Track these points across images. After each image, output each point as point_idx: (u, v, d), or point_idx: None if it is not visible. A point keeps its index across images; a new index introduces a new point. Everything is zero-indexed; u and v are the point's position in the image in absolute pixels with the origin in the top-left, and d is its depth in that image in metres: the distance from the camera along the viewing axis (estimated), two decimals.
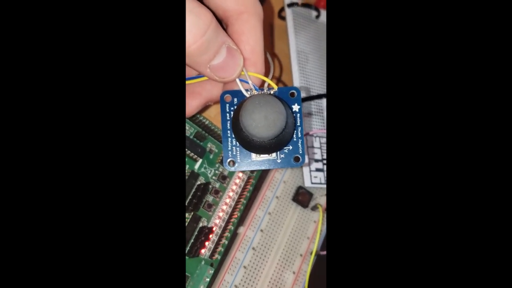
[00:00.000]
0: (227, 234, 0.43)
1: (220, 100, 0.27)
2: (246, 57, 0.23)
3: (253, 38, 0.20)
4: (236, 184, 0.45)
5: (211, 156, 0.44)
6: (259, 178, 0.46)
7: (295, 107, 0.27)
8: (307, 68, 0.49)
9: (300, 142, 0.27)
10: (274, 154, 0.28)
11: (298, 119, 0.27)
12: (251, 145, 0.26)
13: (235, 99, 0.27)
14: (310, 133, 0.46)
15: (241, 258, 0.42)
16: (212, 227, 0.42)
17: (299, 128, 0.27)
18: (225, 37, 0.20)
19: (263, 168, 0.28)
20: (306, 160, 0.46)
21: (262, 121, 0.24)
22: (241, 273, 0.42)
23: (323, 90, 0.49)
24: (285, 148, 0.27)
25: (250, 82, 0.26)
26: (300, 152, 0.28)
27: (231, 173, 0.45)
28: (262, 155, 0.28)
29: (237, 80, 0.26)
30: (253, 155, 0.28)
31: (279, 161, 0.28)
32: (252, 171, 0.46)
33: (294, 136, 0.27)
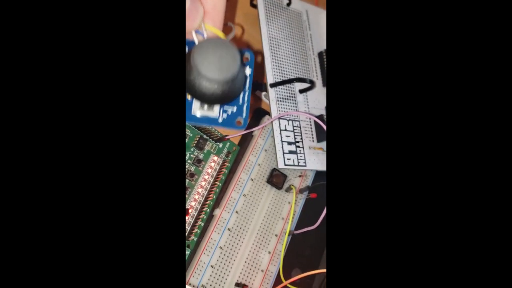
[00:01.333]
0: (202, 216, 0.44)
1: None
2: (206, 11, 0.23)
3: None
4: (211, 167, 0.46)
5: (186, 140, 0.45)
6: (234, 162, 0.47)
7: (247, 71, 0.26)
8: (279, 54, 0.50)
9: (245, 106, 0.26)
10: (216, 112, 0.26)
11: (248, 83, 0.26)
12: (196, 90, 0.24)
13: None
14: (284, 116, 0.48)
15: (217, 239, 0.43)
16: (188, 209, 0.43)
17: (247, 93, 0.26)
18: None
19: (203, 125, 0.26)
20: (279, 143, 0.47)
21: (216, 61, 0.22)
22: (217, 253, 0.43)
23: (294, 75, 0.50)
24: (229, 108, 0.26)
25: (205, 35, 0.25)
26: (244, 116, 0.27)
27: (206, 157, 0.46)
28: (204, 111, 0.26)
29: (193, 32, 0.24)
30: (194, 107, 0.26)
31: (220, 120, 0.27)
32: (227, 154, 0.47)
33: (241, 98, 0.26)
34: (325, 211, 0.35)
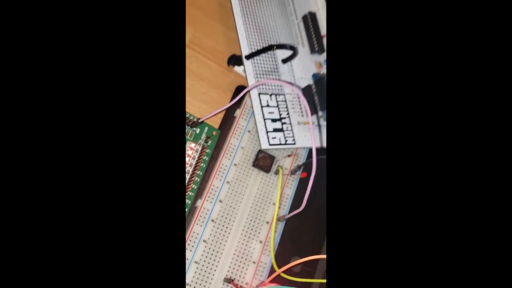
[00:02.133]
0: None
1: None
2: None
3: None
4: (188, 155, 0.42)
5: None
6: (215, 147, 0.43)
7: None
8: (255, 21, 0.45)
9: None
10: None
11: None
12: None
13: None
14: (264, 89, 0.43)
15: (200, 232, 0.40)
16: None
17: None
18: None
19: None
20: (261, 121, 0.42)
21: None
22: (201, 248, 0.39)
23: (272, 42, 0.45)
24: None
25: None
26: None
27: None
28: None
29: None
30: None
31: None
32: (206, 140, 0.43)
33: None
34: (308, 190, 0.30)
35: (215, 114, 0.41)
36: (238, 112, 0.44)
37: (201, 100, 0.45)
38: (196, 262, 0.39)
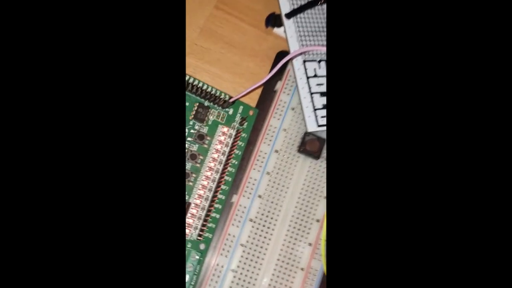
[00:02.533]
0: (216, 206, 0.34)
1: None
2: None
3: None
4: (220, 142, 0.35)
5: None
6: (251, 131, 0.36)
7: None
8: None
9: None
10: None
11: None
12: None
13: None
14: (310, 54, 0.34)
15: (236, 233, 0.33)
16: (189, 203, 0.34)
17: None
18: None
19: None
20: (307, 97, 0.34)
21: None
22: (238, 252, 0.33)
23: None
24: None
25: None
26: None
27: (212, 130, 0.35)
28: None
29: None
30: None
31: None
32: (241, 122, 0.36)
33: None
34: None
35: (252, 91, 0.33)
36: (279, 86, 0.36)
37: (234, 73, 0.37)
38: (233, 270, 0.33)
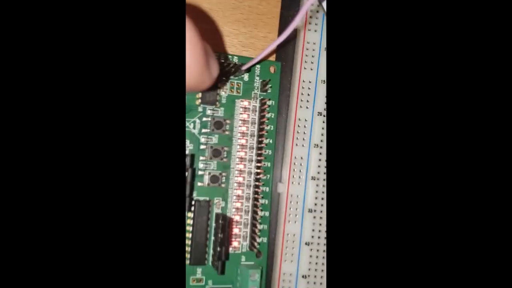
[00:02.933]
0: (262, 201, 0.27)
1: None
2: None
3: None
4: (244, 122, 0.26)
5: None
6: (279, 94, 0.27)
7: None
8: None
9: None
10: None
11: None
12: None
13: None
14: None
15: (297, 231, 0.26)
16: (227, 216, 0.26)
17: None
18: None
19: None
20: None
21: None
22: (305, 253, 0.26)
23: None
24: None
25: None
26: None
27: (229, 110, 0.26)
28: None
29: None
30: None
31: None
32: (263, 88, 0.26)
33: None
34: None
35: (269, 52, 0.23)
36: (300, 25, 0.26)
37: (236, 20, 0.27)
38: (304, 276, 0.26)
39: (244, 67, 0.24)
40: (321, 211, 0.26)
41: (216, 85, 0.26)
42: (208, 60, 0.17)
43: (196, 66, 0.17)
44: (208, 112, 0.26)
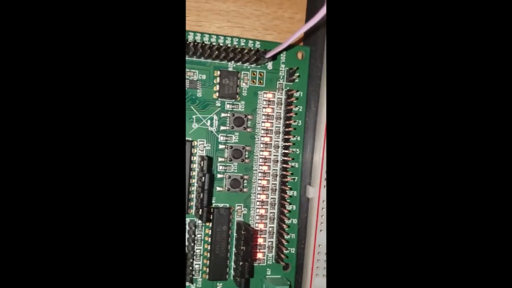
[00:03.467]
0: (289, 207, 0.23)
1: None
2: None
3: None
4: (268, 116, 0.23)
5: (198, 94, 0.22)
6: (309, 83, 0.23)
7: None
8: None
9: None
10: None
11: None
12: None
13: None
14: None
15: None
16: (250, 227, 0.23)
17: None
18: None
19: None
20: None
21: None
22: None
23: None
24: None
25: None
26: None
27: (250, 103, 0.23)
28: None
29: None
30: None
31: None
32: (290, 77, 0.23)
33: None
34: None
35: (297, 37, 0.20)
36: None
37: (257, 2, 0.23)
38: None
39: (268, 55, 0.21)
40: None
41: (237, 76, 0.22)
42: None
43: None
44: (227, 106, 0.22)
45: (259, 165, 0.23)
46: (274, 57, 0.22)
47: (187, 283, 0.22)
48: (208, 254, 0.23)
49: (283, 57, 0.23)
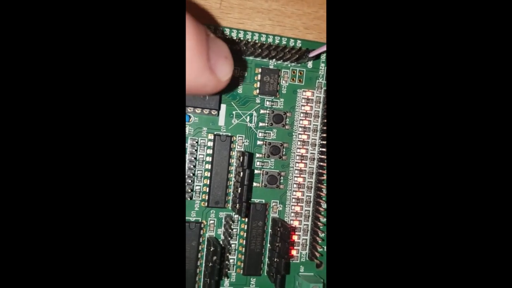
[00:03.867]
0: (325, 206, 0.23)
1: None
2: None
3: None
4: (306, 114, 0.23)
5: (239, 90, 0.23)
6: None
7: None
8: None
9: None
10: None
11: None
12: None
13: None
14: None
15: None
16: (286, 223, 0.23)
17: None
18: None
19: None
20: None
21: None
22: None
23: None
24: None
25: None
26: None
27: (289, 101, 0.23)
28: None
29: None
30: None
31: None
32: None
33: None
34: None
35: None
36: None
37: (298, 1, 0.23)
38: None
39: (312, 54, 0.21)
40: None
41: (278, 74, 0.22)
42: (211, 62, 0.16)
43: (191, 68, 0.16)
44: (267, 103, 0.23)
45: (296, 162, 0.23)
46: (316, 57, 0.22)
47: (222, 278, 0.23)
48: (243, 249, 0.23)
49: (323, 56, 0.23)
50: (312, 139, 0.23)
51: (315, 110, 0.23)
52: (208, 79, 0.16)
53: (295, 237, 0.24)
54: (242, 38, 0.22)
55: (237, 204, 0.21)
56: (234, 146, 0.22)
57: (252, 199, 0.23)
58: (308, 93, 0.23)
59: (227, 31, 0.22)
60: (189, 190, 0.22)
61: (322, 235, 0.23)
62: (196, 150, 0.22)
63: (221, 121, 0.22)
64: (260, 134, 0.23)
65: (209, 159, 0.22)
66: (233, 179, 0.22)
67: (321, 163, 0.23)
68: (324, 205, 0.23)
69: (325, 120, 0.23)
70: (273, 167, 0.23)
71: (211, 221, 0.22)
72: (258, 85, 0.22)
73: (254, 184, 0.23)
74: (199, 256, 0.22)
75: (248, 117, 0.23)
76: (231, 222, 0.22)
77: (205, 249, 0.22)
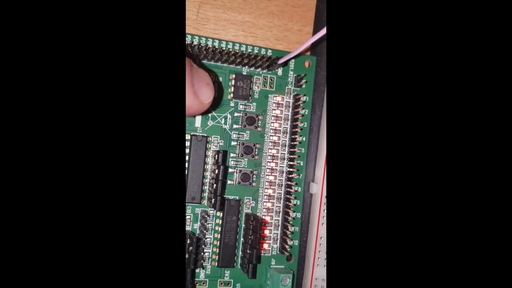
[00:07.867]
0: (294, 202, 0.25)
1: None
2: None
3: None
4: (277, 117, 0.25)
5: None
6: (314, 90, 0.26)
7: None
8: None
9: None
10: None
11: None
12: None
13: None
14: None
15: None
16: (258, 217, 0.25)
17: None
18: None
19: None
20: None
21: None
22: None
23: None
24: None
25: None
26: None
27: (261, 105, 0.25)
28: None
29: None
30: None
31: None
32: (297, 83, 0.25)
33: None
34: None
35: (307, 46, 0.22)
36: None
37: (270, 13, 0.26)
38: None
39: (281, 61, 0.23)
40: None
41: (251, 80, 0.24)
42: (195, 88, 0.18)
43: None
44: (240, 107, 0.25)
45: (268, 161, 0.25)
46: (285, 64, 0.24)
47: (198, 269, 0.24)
48: (218, 242, 0.24)
49: (292, 64, 0.25)
50: (282, 140, 0.25)
51: (285, 114, 0.25)
52: (193, 102, 0.18)
53: (266, 231, 0.25)
54: (217, 47, 0.24)
55: (212, 199, 0.23)
56: (209, 146, 0.24)
57: (226, 196, 0.25)
58: (279, 98, 0.25)
59: (203, 40, 0.24)
60: None
61: (291, 229, 0.25)
62: None
63: (198, 122, 0.24)
64: (234, 135, 0.25)
65: (186, 158, 0.24)
66: (208, 176, 0.24)
67: (291, 163, 0.25)
68: (293, 201, 0.25)
69: (294, 123, 0.25)
70: (246, 166, 0.25)
71: (188, 217, 0.24)
72: (232, 90, 0.24)
73: (229, 181, 0.25)
74: None
75: (223, 119, 0.24)
76: (206, 217, 0.24)
77: None
